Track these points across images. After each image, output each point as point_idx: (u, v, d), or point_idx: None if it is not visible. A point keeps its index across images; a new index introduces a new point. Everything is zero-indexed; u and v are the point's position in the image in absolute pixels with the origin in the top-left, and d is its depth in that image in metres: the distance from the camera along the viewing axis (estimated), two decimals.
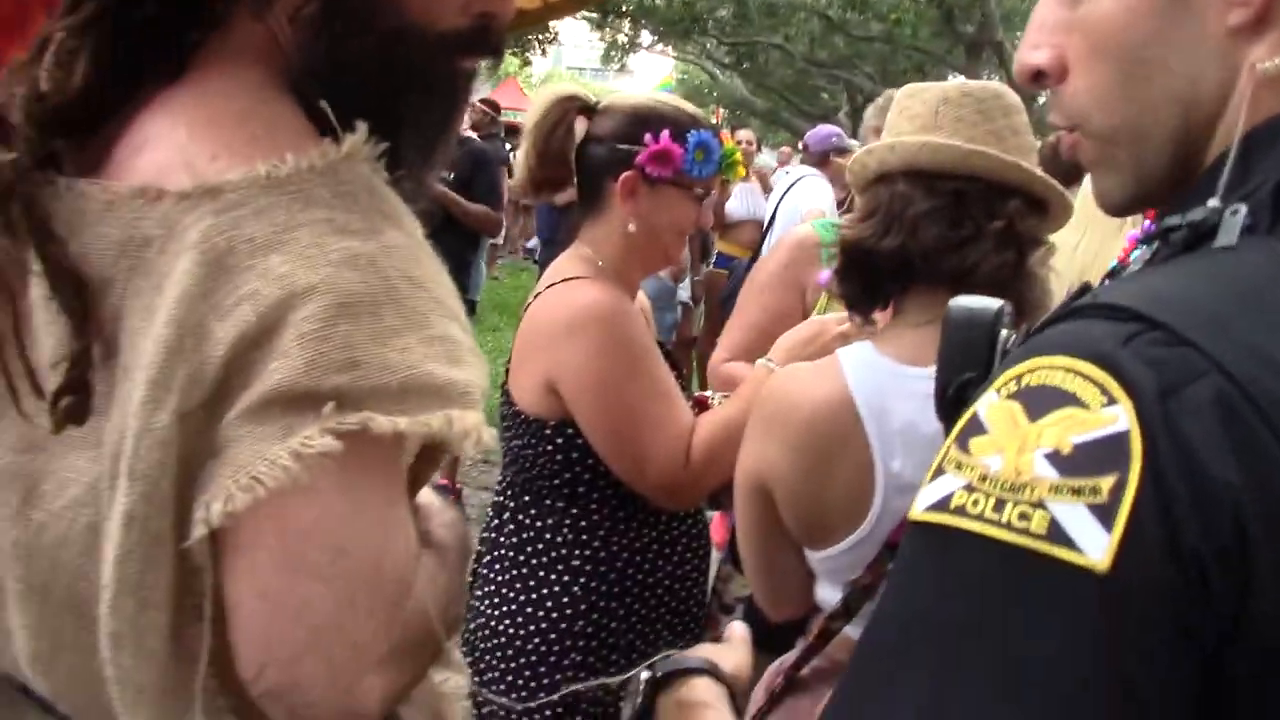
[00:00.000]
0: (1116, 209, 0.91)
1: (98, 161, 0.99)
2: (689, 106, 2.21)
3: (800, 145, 8.21)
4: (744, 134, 8.90)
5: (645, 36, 24.41)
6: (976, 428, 0.71)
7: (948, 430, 0.84)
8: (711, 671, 1.17)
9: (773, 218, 6.00)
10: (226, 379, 0.86)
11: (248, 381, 0.86)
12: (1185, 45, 0.81)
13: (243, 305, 0.86)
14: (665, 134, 2.07)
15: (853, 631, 1.68)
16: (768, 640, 1.85)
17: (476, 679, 2.09)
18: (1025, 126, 1.73)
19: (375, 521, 0.91)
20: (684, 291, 7.08)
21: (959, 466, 0.70)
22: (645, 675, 1.18)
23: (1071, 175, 5.06)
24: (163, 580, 0.88)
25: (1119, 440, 0.64)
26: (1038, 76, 0.89)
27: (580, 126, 2.16)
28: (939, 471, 0.71)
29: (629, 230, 2.11)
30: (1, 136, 0.95)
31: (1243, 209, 0.76)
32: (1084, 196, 4.05)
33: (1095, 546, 0.63)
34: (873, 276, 1.74)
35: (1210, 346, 0.67)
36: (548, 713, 2.07)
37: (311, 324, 0.85)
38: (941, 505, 0.69)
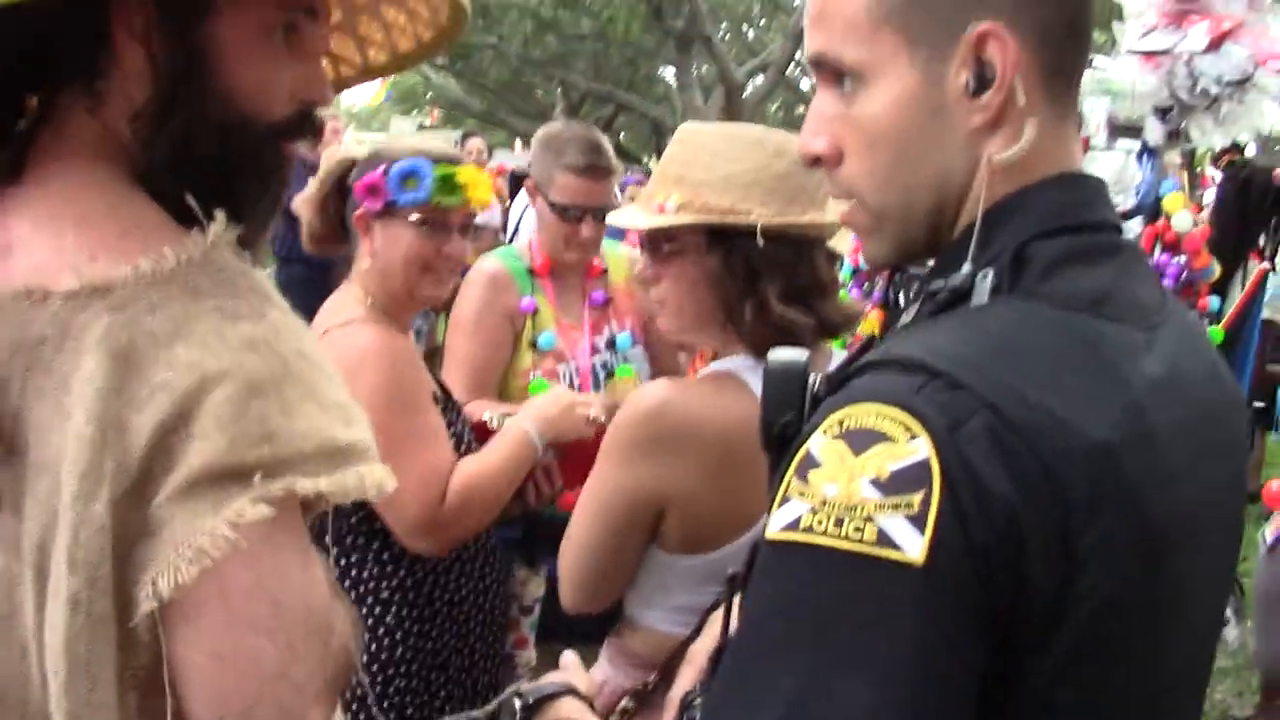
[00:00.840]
0: (882, 265, 1.12)
1: None
2: (433, 145, 2.35)
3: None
4: (473, 143, 8.89)
5: None
6: (812, 462, 0.89)
7: (776, 462, 1.03)
8: (573, 691, 1.31)
9: (518, 225, 6.04)
10: (150, 465, 0.92)
11: (170, 465, 0.92)
12: (940, 141, 1.01)
13: (157, 395, 0.92)
14: (377, 170, 2.20)
15: None
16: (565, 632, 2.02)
17: None
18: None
19: (299, 571, 1.00)
20: None
21: (802, 494, 0.88)
22: (518, 703, 1.28)
23: None
24: (109, 657, 0.93)
25: (922, 465, 0.84)
26: (816, 160, 1.07)
27: None
28: (785, 499, 0.90)
29: (364, 267, 2.25)
30: None
31: (990, 273, 0.97)
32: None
33: (913, 546, 0.83)
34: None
35: (979, 388, 0.87)
36: None
37: (226, 406, 0.93)
38: (793, 526, 0.87)
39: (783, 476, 0.92)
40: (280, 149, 1.15)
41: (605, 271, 3.14)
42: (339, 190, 2.29)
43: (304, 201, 2.33)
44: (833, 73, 1.04)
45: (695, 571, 1.79)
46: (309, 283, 7.90)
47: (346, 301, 2.25)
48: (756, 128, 1.93)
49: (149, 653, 0.95)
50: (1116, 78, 3.89)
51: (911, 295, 1.08)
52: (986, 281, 0.97)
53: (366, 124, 31.41)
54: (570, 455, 2.34)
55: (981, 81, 0.98)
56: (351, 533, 2.18)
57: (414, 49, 1.38)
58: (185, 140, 1.07)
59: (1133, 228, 4.05)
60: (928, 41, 0.99)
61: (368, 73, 1.42)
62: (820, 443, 0.89)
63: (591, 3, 20.77)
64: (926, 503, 0.83)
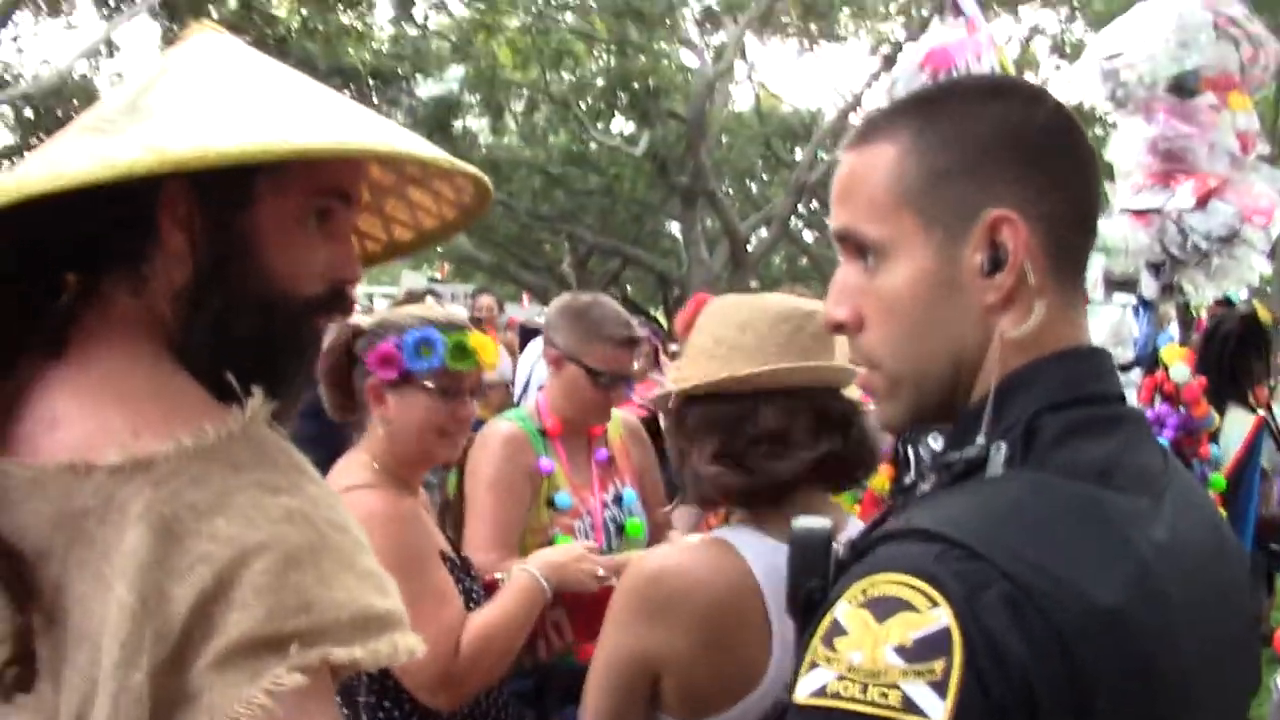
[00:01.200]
0: (895, 429, 1.17)
1: None
2: (436, 312, 2.38)
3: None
4: (484, 300, 8.97)
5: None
6: (838, 630, 0.93)
7: (802, 626, 1.08)
8: None
9: (528, 381, 6.06)
10: (189, 633, 0.95)
11: (209, 634, 0.95)
12: (955, 315, 1.07)
13: (198, 567, 0.95)
14: (390, 339, 2.26)
15: None
16: None
17: None
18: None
19: None
20: None
21: (829, 661, 0.92)
22: None
23: None
24: None
25: (943, 633, 0.88)
26: (839, 327, 1.14)
27: None
28: (813, 665, 0.93)
29: (379, 433, 2.28)
30: None
31: (1003, 446, 1.02)
32: None
33: (936, 711, 0.86)
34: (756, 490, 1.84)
35: (996, 558, 0.92)
36: None
37: (264, 577, 0.96)
38: (820, 692, 0.91)
39: (809, 642, 0.96)
40: (314, 325, 1.20)
41: (605, 431, 3.24)
42: (346, 358, 2.35)
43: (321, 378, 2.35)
44: (856, 246, 1.11)
45: None
46: (319, 439, 7.94)
47: (352, 467, 2.29)
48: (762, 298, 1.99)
49: None
50: (1110, 235, 4.00)
51: (928, 465, 1.14)
52: (1000, 454, 1.02)
53: (377, 278, 31.80)
54: (580, 609, 2.37)
55: (995, 263, 1.05)
56: (361, 689, 2.16)
57: (438, 227, 1.43)
58: (224, 319, 1.12)
59: (1132, 379, 4.11)
60: (944, 224, 1.06)
61: (392, 248, 1.48)
62: (845, 610, 0.93)
63: (599, 159, 21.28)
64: (948, 669, 0.87)
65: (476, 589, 2.34)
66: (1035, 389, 1.05)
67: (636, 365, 3.36)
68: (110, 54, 16.70)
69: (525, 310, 13.11)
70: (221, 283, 1.11)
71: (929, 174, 1.07)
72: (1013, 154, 1.06)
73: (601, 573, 2.36)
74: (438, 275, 20.31)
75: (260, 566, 0.96)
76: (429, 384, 2.28)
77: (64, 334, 1.10)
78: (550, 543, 2.76)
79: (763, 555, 1.77)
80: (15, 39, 16.53)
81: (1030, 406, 1.04)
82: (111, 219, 1.09)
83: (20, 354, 1.08)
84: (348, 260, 1.20)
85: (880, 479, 3.48)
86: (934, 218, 1.06)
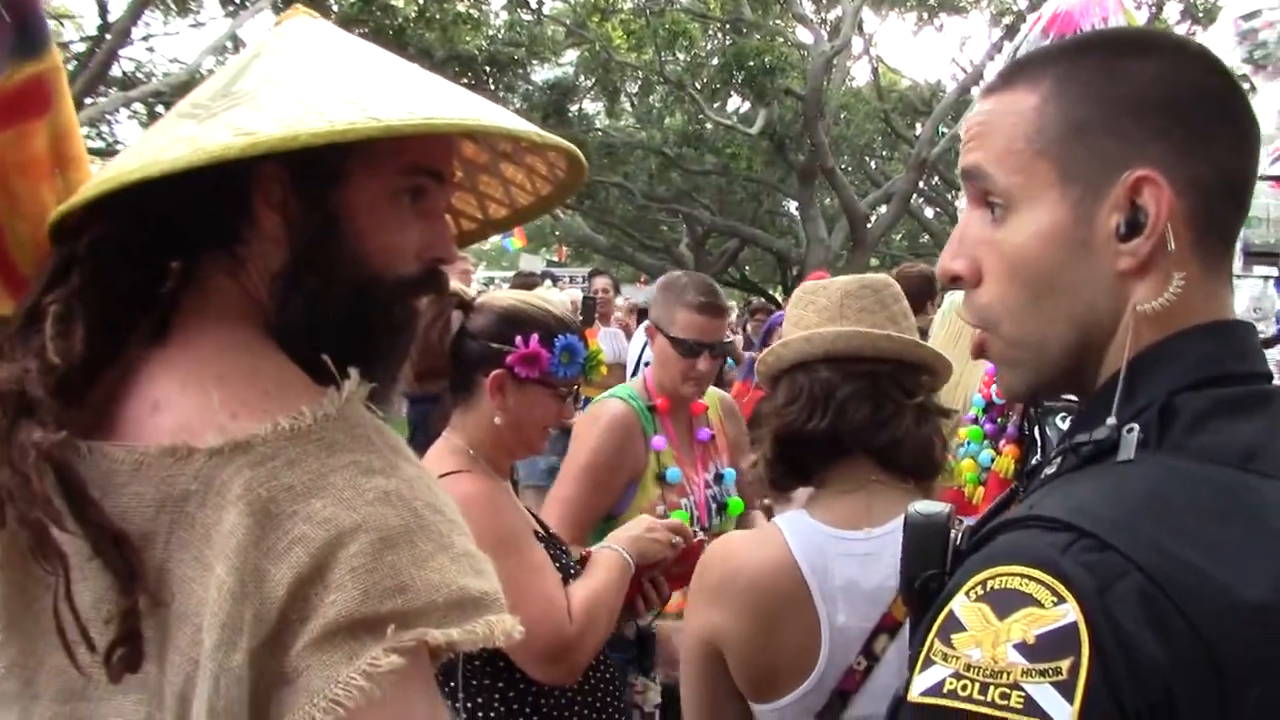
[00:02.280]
0: (1017, 397, 1.09)
1: (100, 422, 1.06)
2: (560, 309, 2.39)
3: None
4: (600, 281, 8.99)
5: None
6: (955, 625, 0.87)
7: (916, 618, 1.02)
8: None
9: (637, 364, 6.08)
10: (287, 616, 0.95)
11: (306, 615, 0.95)
12: (1084, 279, 1.00)
13: (295, 549, 0.96)
14: (534, 338, 2.22)
15: None
16: None
17: None
18: (909, 310, 1.96)
19: (429, 717, 1.01)
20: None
21: (945, 658, 0.85)
22: None
23: (928, 294, 5.38)
24: None
25: (1070, 630, 0.81)
26: (955, 280, 1.07)
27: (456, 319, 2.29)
28: (928, 662, 0.87)
29: (496, 423, 2.25)
30: (24, 410, 1.02)
31: (1136, 428, 0.95)
32: (939, 323, 4.34)
33: (1062, 714, 0.79)
34: (803, 456, 1.88)
35: (1128, 549, 0.85)
36: None
37: (360, 559, 0.96)
38: (936, 691, 0.85)
39: (925, 637, 0.90)
40: (409, 305, 1.20)
41: (706, 409, 3.30)
42: (447, 329, 2.29)
43: None
44: (982, 191, 1.05)
45: (776, 715, 1.81)
46: (410, 423, 8.04)
47: (448, 454, 2.28)
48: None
49: None
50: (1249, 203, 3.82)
51: (1055, 447, 1.05)
52: (1133, 436, 0.95)
53: (496, 261, 32.30)
54: (672, 565, 2.43)
55: (1133, 227, 0.97)
56: (476, 675, 2.18)
57: (533, 203, 1.42)
58: (319, 300, 1.12)
59: (1274, 355, 3.93)
60: (1083, 179, 0.99)
61: (488, 226, 1.48)
62: (963, 604, 0.87)
63: (715, 139, 21.19)
64: (1075, 669, 0.80)
65: (572, 564, 2.35)
66: (1172, 366, 0.98)
67: (734, 336, 3.45)
68: (236, 49, 17.17)
69: (643, 291, 13.12)
70: (316, 263, 1.12)
71: (1070, 125, 1.00)
72: (1160, 111, 0.98)
73: (677, 539, 2.40)
74: (555, 258, 20.48)
75: (356, 548, 0.96)
76: (561, 389, 2.30)
77: (167, 320, 1.12)
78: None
79: (805, 536, 1.79)
80: (146, 38, 17.15)
81: (1167, 385, 0.97)
82: (209, 204, 1.11)
83: (126, 341, 1.09)
84: (442, 239, 1.20)
85: (1005, 460, 3.39)
86: (1071, 172, 0.99)
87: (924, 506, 1.14)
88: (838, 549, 1.77)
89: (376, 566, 0.96)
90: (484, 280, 14.16)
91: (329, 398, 1.05)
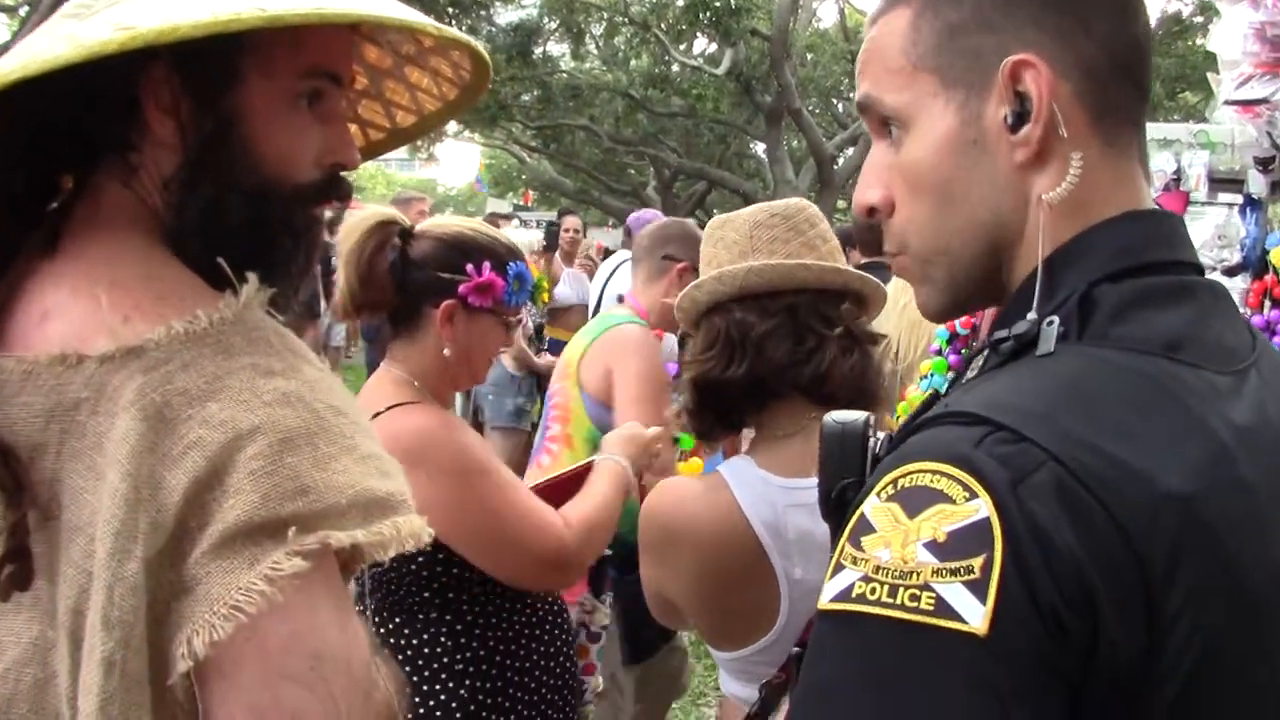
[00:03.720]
0: (935, 316, 1.07)
1: None
2: (501, 235, 2.32)
3: (623, 229, 8.29)
4: (570, 221, 8.89)
5: (451, 125, 24.56)
6: (865, 527, 0.83)
7: (835, 529, 0.97)
8: None
9: (598, 304, 6.06)
10: (184, 522, 0.92)
11: (205, 521, 0.92)
12: (983, 181, 0.98)
13: (191, 453, 0.92)
14: (486, 265, 2.17)
15: None
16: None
17: None
18: (830, 232, 1.86)
19: (338, 625, 0.98)
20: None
21: (854, 561, 0.82)
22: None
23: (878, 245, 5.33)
24: (144, 718, 0.92)
25: (982, 526, 0.78)
26: (871, 212, 1.04)
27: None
28: (839, 567, 0.83)
29: (445, 354, 2.20)
30: None
31: (1056, 320, 0.92)
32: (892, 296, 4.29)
33: (975, 615, 0.76)
34: (726, 404, 1.80)
35: (1044, 440, 0.81)
36: None
37: (259, 461, 0.93)
38: (844, 595, 0.81)
39: (836, 543, 0.86)
40: (309, 212, 1.16)
41: None
42: (387, 255, 2.22)
43: (343, 263, 2.24)
44: (879, 120, 1.03)
45: (737, 665, 1.78)
46: (369, 365, 7.98)
47: (389, 385, 2.21)
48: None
49: (185, 713, 0.94)
50: (1214, 129, 3.78)
51: (974, 347, 1.01)
52: (1053, 329, 0.91)
53: (463, 207, 32.06)
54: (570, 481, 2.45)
55: (1020, 117, 0.95)
56: (423, 608, 2.17)
57: (440, 109, 1.38)
58: (215, 206, 1.09)
59: (1238, 284, 3.89)
60: (964, 81, 0.97)
61: (397, 136, 1.43)
62: (873, 505, 0.84)
63: (681, 81, 21.02)
64: (988, 567, 0.76)
65: None
66: (1091, 257, 0.95)
67: None
68: None
69: (609, 234, 13.05)
70: (211, 169, 1.08)
71: (942, 31, 0.99)
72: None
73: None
74: (521, 202, 20.32)
75: (254, 450, 0.93)
76: (511, 318, 2.26)
77: (58, 231, 1.07)
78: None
79: (753, 489, 1.72)
80: None
81: (1086, 276, 0.94)
82: (96, 109, 1.07)
83: (15, 255, 1.05)
84: (342, 143, 1.17)
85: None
86: (951, 76, 0.98)
87: (840, 415, 1.10)
88: (786, 500, 1.70)
89: (276, 469, 0.93)
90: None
91: (225, 302, 1.01)
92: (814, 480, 1.11)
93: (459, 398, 10.58)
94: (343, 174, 1.18)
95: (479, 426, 6.70)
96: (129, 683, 0.90)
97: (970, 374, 0.98)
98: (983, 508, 0.78)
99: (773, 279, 1.75)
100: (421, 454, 2.00)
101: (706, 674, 5.06)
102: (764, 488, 1.71)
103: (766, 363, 1.73)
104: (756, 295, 1.75)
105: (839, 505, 1.02)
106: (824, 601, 0.83)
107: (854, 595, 0.80)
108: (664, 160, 23.31)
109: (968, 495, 0.79)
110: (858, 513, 0.85)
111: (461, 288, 2.15)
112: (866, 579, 0.80)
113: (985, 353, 0.98)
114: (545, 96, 21.32)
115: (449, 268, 2.16)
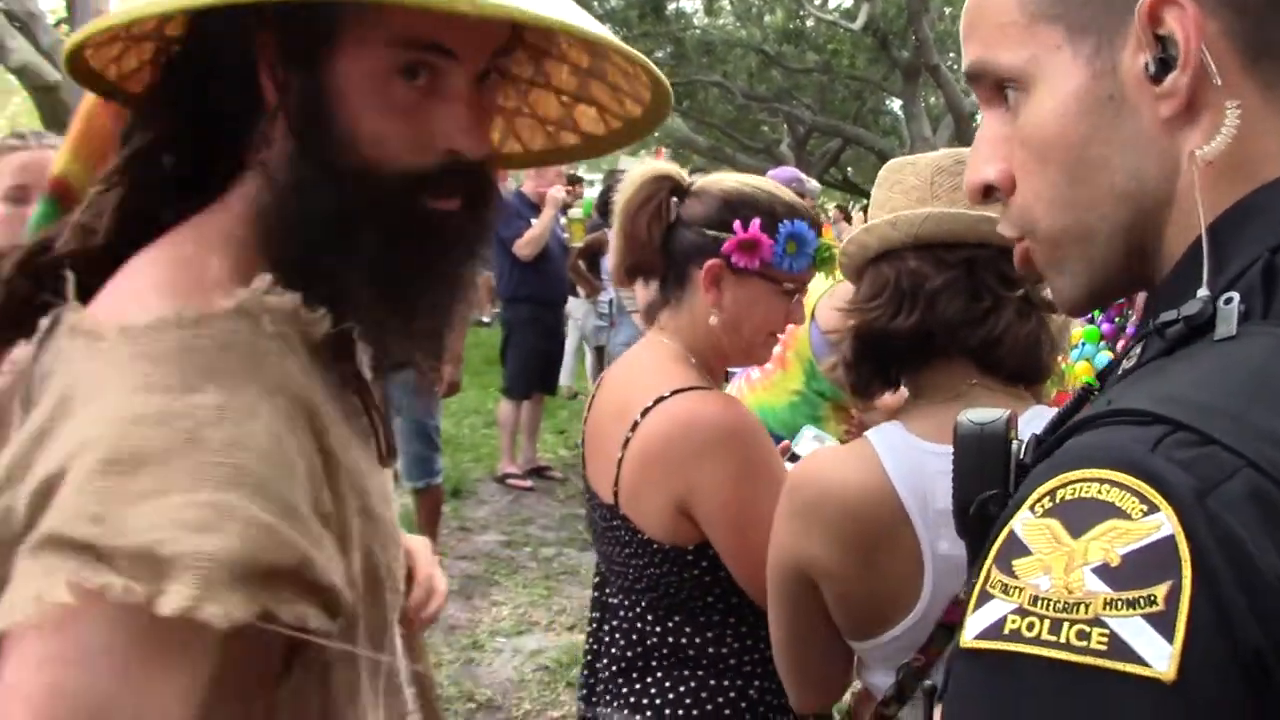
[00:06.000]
0: (1073, 308, 0.92)
1: None
2: (789, 194, 2.05)
3: None
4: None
5: None
6: (1017, 548, 0.69)
7: (973, 550, 0.88)
8: None
9: None
10: (31, 517, 0.88)
11: (36, 522, 0.88)
12: (1124, 142, 0.83)
13: (53, 449, 0.90)
14: (755, 223, 1.95)
15: (908, 715, 1.62)
16: None
17: None
18: None
19: (110, 677, 0.86)
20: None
21: (1005, 590, 0.68)
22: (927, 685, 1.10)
23: None
24: None
25: (1165, 546, 0.64)
26: (988, 191, 0.92)
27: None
28: (984, 596, 0.69)
29: (711, 323, 2.00)
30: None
31: (1236, 297, 0.77)
32: None
33: (1159, 657, 0.62)
34: (887, 358, 1.68)
35: (1234, 441, 0.67)
36: None
37: (81, 475, 0.87)
38: (995, 632, 0.67)
39: (981, 568, 0.72)
40: (421, 204, 1.05)
41: None
42: (643, 209, 2.03)
43: (620, 221, 2.06)
44: (994, 86, 0.90)
45: (879, 652, 1.67)
46: (536, 323, 7.96)
47: (669, 362, 2.01)
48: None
49: None
50: None
51: (1136, 331, 0.88)
52: (1232, 307, 0.76)
53: (595, 164, 32.07)
54: None
55: (1164, 64, 0.80)
56: (706, 611, 1.99)
57: (620, 128, 1.26)
58: (308, 187, 1.03)
59: None
60: (1094, 28, 0.83)
61: (600, 142, 1.30)
62: (1026, 522, 0.69)
63: (816, 36, 20.67)
64: (1174, 596, 0.62)
65: None
66: (1262, 222, 0.79)
67: None
68: None
69: None
70: (309, 144, 1.02)
71: None
72: None
73: None
74: (655, 159, 20.29)
75: (83, 463, 0.87)
76: (789, 285, 2.00)
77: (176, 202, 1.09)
78: None
79: (899, 453, 1.59)
80: None
81: (1265, 241, 0.78)
82: (223, 78, 1.05)
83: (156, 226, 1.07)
84: (460, 126, 1.05)
85: (1082, 370, 3.15)
86: (1078, 24, 0.84)
87: (977, 414, 0.96)
88: (937, 466, 1.52)
89: (87, 488, 0.86)
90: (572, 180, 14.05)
91: (193, 303, 0.95)
92: None
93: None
94: (463, 162, 1.06)
95: None
96: None
97: (1128, 363, 0.84)
98: (1165, 524, 0.64)
99: (954, 229, 1.61)
100: (720, 448, 1.86)
101: None
102: (912, 451, 1.59)
103: (938, 317, 1.60)
104: (932, 245, 1.62)
105: (979, 521, 0.90)
106: (968, 638, 0.69)
107: (1007, 631, 0.66)
108: (798, 117, 22.95)
109: (1146, 509, 0.65)
110: (1005, 530, 0.71)
111: (725, 245, 1.95)
112: (1022, 612, 0.66)
113: (1146, 338, 0.84)
114: (678, 53, 21.17)
115: (717, 225, 1.97)
